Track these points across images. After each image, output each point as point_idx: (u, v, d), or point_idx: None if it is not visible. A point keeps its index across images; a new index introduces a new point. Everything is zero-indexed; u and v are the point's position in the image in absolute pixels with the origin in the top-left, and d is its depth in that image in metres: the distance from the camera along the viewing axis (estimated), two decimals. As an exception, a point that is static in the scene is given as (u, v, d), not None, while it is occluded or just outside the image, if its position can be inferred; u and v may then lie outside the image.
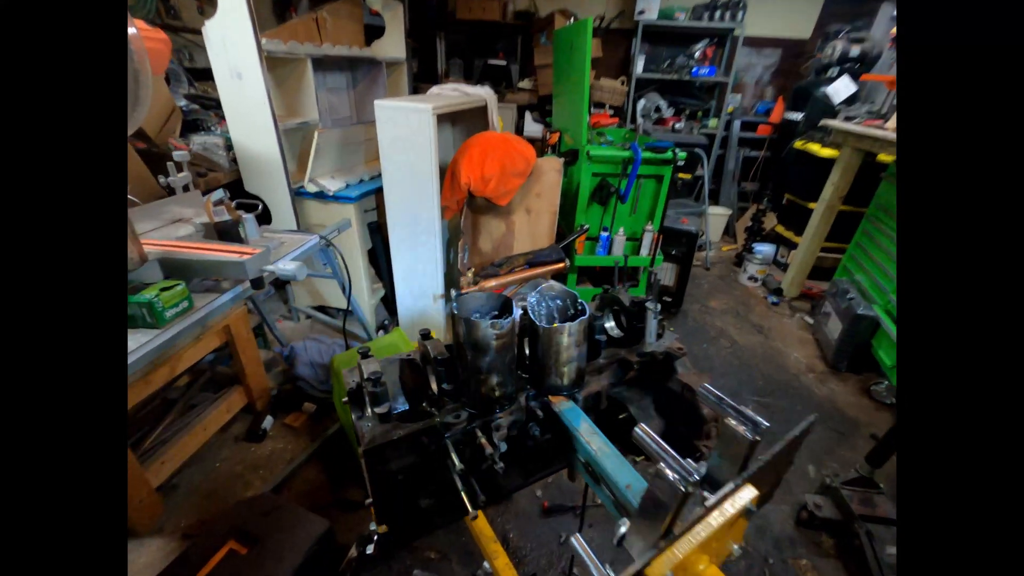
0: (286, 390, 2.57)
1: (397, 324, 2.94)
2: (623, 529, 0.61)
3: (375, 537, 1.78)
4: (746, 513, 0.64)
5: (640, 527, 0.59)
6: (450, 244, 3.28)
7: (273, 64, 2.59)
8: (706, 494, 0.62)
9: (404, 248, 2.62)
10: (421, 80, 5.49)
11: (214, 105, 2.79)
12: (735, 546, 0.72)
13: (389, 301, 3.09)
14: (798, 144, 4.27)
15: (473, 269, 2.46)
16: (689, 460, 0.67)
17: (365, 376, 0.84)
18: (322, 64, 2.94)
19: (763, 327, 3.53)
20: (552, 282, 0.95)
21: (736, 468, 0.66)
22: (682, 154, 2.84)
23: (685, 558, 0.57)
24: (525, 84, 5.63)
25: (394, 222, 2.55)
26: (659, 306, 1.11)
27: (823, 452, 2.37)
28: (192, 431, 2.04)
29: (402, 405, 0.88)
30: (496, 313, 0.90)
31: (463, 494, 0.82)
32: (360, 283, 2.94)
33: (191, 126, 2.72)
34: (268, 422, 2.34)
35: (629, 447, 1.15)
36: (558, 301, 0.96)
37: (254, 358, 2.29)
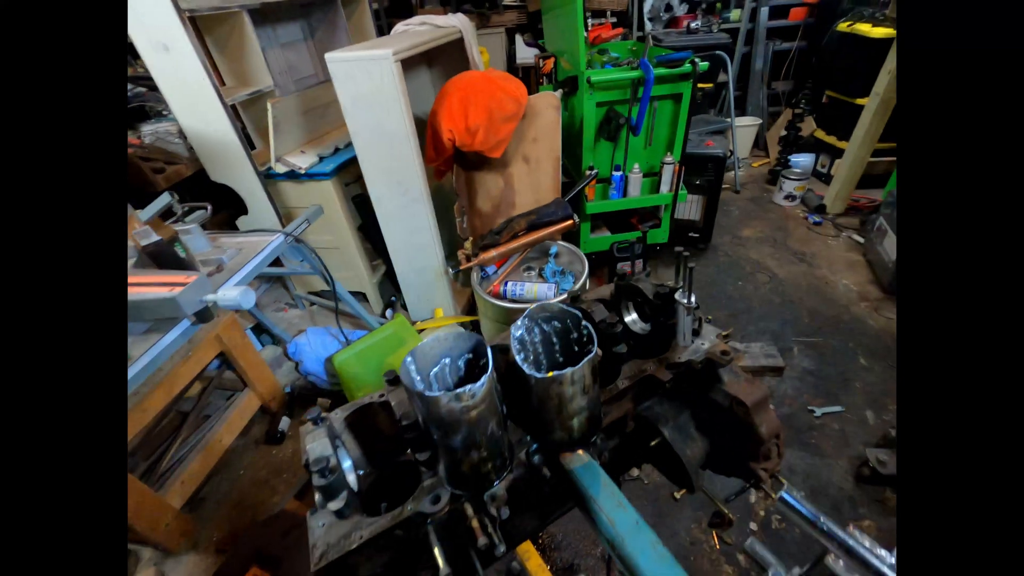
0: (300, 387, 2.49)
1: (403, 303, 2.76)
2: None
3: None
4: None
5: None
6: (448, 208, 2.98)
7: (205, 26, 2.20)
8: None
9: (394, 221, 2.36)
10: (394, 15, 4.84)
11: (160, 85, 2.46)
12: None
13: (393, 276, 2.89)
14: (843, 26, 3.56)
15: (471, 239, 2.19)
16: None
17: (311, 461, 0.64)
18: (266, 15, 2.51)
19: (805, 254, 3.16)
20: (546, 303, 0.69)
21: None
22: (703, 64, 2.35)
23: None
24: (511, 0, 4.88)
25: (377, 194, 2.27)
26: (693, 297, 0.84)
27: (883, 394, 2.13)
28: (208, 445, 1.99)
29: (368, 470, 0.69)
30: (462, 366, 0.66)
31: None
32: (356, 264, 2.73)
33: (138, 114, 2.42)
34: (285, 423, 2.27)
35: (669, 473, 0.95)
36: (556, 323, 0.71)
37: (256, 362, 2.18)
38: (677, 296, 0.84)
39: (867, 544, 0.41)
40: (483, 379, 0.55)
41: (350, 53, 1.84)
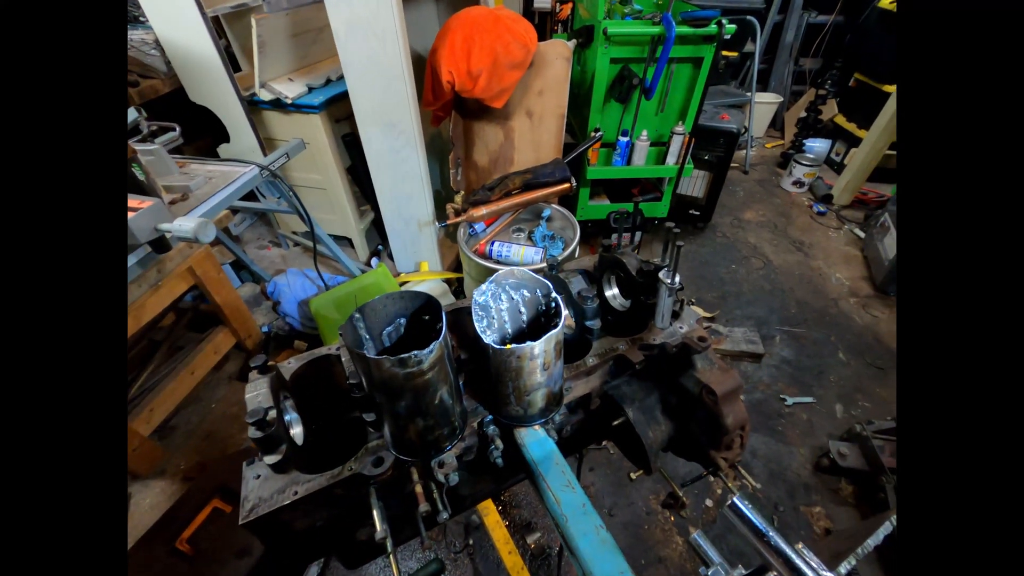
0: (278, 327, 2.46)
1: (389, 253, 2.68)
2: None
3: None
4: None
5: None
6: (443, 158, 2.84)
7: (185, -81, 1.96)
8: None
9: (384, 165, 2.23)
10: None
11: (136, -14, 2.22)
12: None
13: (382, 223, 2.79)
14: (885, 2, 3.31)
15: (462, 193, 2.09)
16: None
17: (248, 411, 0.60)
18: (258, -84, 2.24)
19: (803, 243, 3.10)
20: (515, 268, 0.64)
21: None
22: (730, 27, 2.17)
23: None
24: (535, -67, 4.45)
25: (367, 134, 2.13)
26: (678, 279, 0.79)
27: (855, 390, 2.15)
28: (179, 376, 1.96)
29: (312, 426, 0.66)
30: (412, 323, 0.61)
31: (388, 547, 0.63)
32: (343, 207, 2.63)
33: (112, 17, 2.20)
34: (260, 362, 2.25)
35: (629, 452, 0.94)
36: (524, 292, 0.66)
37: (232, 298, 2.12)
38: (661, 275, 0.79)
39: (814, 564, 0.39)
40: (432, 346, 0.50)
41: (345, -30, 1.66)
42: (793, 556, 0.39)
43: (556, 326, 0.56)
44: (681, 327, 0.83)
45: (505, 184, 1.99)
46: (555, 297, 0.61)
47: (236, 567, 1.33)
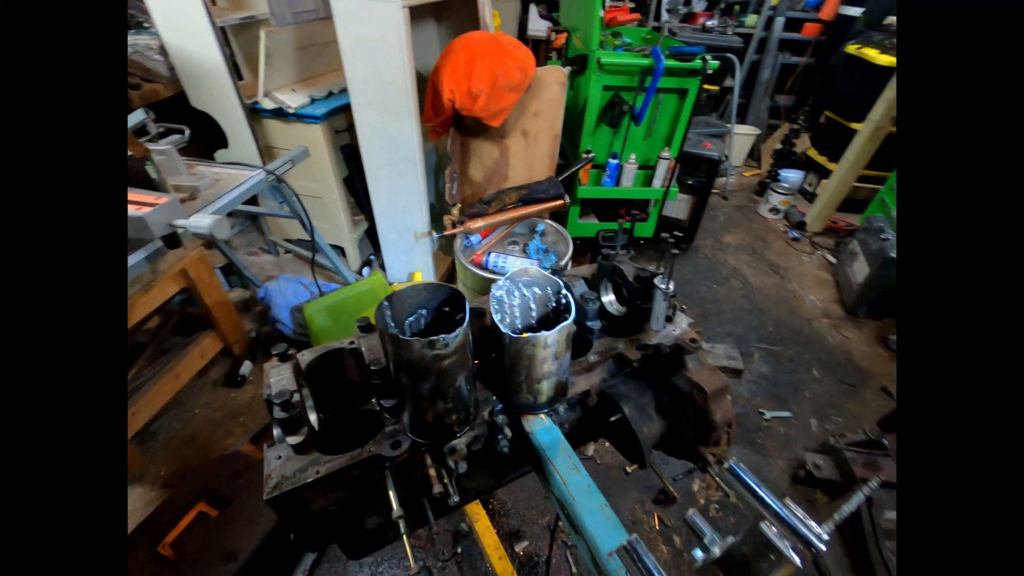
0: (267, 332, 2.44)
1: (382, 263, 2.71)
2: None
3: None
4: None
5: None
6: (439, 172, 2.91)
7: (201, -66, 2.03)
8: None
9: (382, 177, 2.29)
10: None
11: (143, -7, 2.27)
12: None
13: (375, 233, 2.83)
14: (851, 48, 3.60)
15: (459, 205, 2.16)
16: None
17: (273, 394, 0.63)
18: (269, -65, 2.33)
19: (780, 266, 3.26)
20: (529, 267, 0.70)
21: None
22: (714, 63, 2.34)
23: None
24: (530, -33, 4.70)
25: (367, 146, 2.19)
26: (672, 284, 0.86)
27: (828, 405, 2.26)
28: (163, 379, 1.93)
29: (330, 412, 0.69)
30: (433, 315, 0.66)
31: (401, 527, 0.66)
32: (337, 216, 2.66)
33: (117, 21, 2.23)
34: (247, 367, 2.23)
35: (624, 448, 0.99)
36: (536, 289, 0.72)
37: (222, 301, 2.12)
38: (657, 281, 0.86)
39: (799, 515, 0.44)
40: (458, 331, 0.55)
41: (357, -9, 1.75)
42: (781, 509, 0.44)
43: (567, 319, 0.62)
44: (674, 330, 0.90)
45: (501, 199, 2.07)
46: (566, 294, 0.67)
47: (221, 571, 1.30)
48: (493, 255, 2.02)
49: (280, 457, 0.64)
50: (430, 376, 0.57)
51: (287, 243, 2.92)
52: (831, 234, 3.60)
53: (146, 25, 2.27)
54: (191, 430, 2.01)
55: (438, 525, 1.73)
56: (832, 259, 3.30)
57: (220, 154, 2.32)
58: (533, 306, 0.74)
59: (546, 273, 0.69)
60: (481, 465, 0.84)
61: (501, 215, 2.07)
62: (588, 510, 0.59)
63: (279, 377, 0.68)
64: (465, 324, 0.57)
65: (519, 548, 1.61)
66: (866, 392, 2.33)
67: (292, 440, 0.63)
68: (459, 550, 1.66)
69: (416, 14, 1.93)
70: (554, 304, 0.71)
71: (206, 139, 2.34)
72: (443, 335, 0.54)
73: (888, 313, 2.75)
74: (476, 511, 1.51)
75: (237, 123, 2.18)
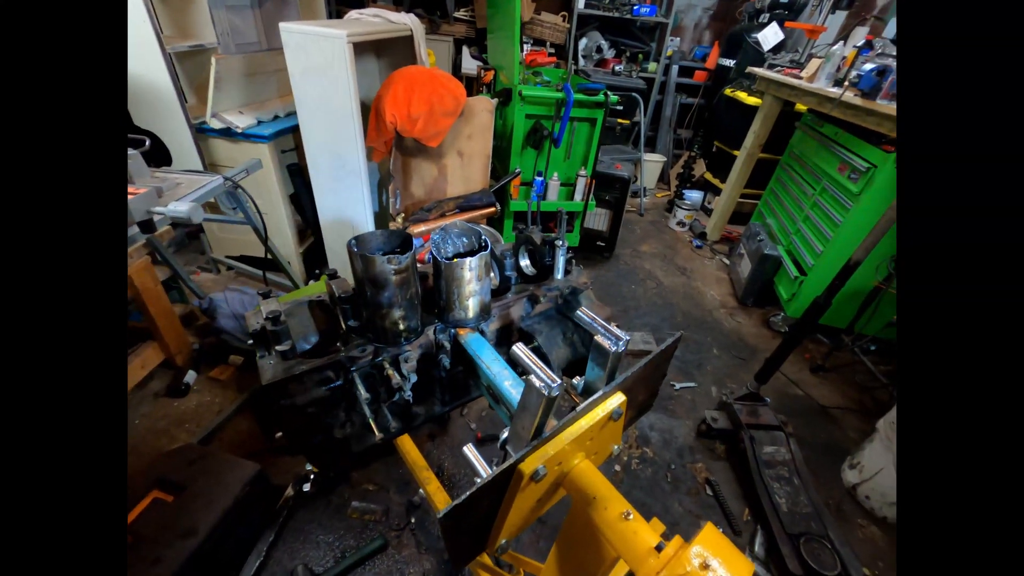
0: (209, 343, 2.46)
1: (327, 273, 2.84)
2: (504, 435, 0.69)
3: (312, 476, 1.84)
4: (616, 416, 0.74)
5: (517, 431, 0.66)
6: (381, 187, 3.14)
7: (151, -30, 2.20)
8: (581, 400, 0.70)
9: (328, 192, 2.48)
10: (344, 3, 4.91)
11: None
12: (615, 447, 0.84)
13: (320, 248, 2.96)
14: (728, 91, 4.40)
15: (403, 214, 2.40)
16: (572, 379, 0.75)
17: (265, 315, 0.83)
18: (216, -25, 2.53)
19: (686, 269, 3.80)
20: (457, 220, 0.97)
21: (607, 379, 0.75)
22: (614, 97, 2.84)
23: (558, 453, 0.66)
24: (462, 14, 5.22)
25: (315, 163, 2.39)
26: (566, 244, 1.17)
27: (725, 376, 2.70)
28: (102, 389, 1.92)
29: (309, 344, 0.89)
30: (397, 249, 0.91)
31: (371, 421, 0.87)
32: (284, 231, 2.78)
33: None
34: (191, 376, 2.24)
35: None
36: (463, 238, 0.98)
37: (166, 311, 2.15)
38: (556, 242, 1.17)
39: (617, 333, 0.73)
40: (408, 253, 0.80)
41: (306, 27, 1.99)
42: (600, 329, 0.73)
43: (484, 251, 0.89)
44: (572, 278, 1.20)
45: (441, 207, 2.34)
46: (485, 238, 0.94)
47: (181, 548, 1.36)
48: (435, 256, 2.27)
49: (271, 363, 0.83)
50: (388, 286, 0.81)
51: (229, 259, 2.96)
52: (725, 242, 4.25)
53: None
54: (132, 439, 1.98)
55: (393, 498, 1.86)
56: (727, 261, 3.91)
57: (154, 170, 2.38)
58: (462, 249, 1.00)
59: (470, 225, 0.96)
60: (427, 387, 1.07)
61: (441, 220, 2.34)
62: (502, 380, 0.85)
63: (266, 306, 0.88)
64: (412, 250, 0.82)
65: (468, 509, 1.79)
66: (754, 363, 2.81)
67: (281, 348, 0.83)
68: (412, 520, 1.81)
69: (358, 49, 2.21)
70: (477, 247, 0.98)
71: (148, 155, 2.40)
72: (397, 255, 0.79)
73: (768, 301, 3.33)
74: (427, 476, 1.68)
75: (183, 142, 2.28)
